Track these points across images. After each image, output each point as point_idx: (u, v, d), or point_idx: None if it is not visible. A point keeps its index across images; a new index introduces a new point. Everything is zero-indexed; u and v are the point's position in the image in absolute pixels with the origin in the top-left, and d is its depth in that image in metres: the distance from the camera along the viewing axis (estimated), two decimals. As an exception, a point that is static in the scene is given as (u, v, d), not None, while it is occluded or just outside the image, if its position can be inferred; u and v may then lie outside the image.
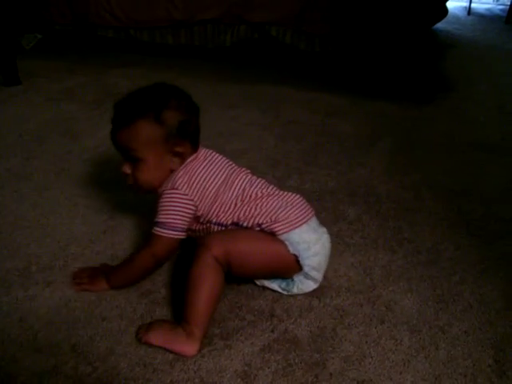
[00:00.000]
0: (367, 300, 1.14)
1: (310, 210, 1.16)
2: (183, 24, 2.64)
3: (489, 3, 5.34)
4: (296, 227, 1.10)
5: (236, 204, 1.13)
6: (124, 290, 1.14)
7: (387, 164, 1.78)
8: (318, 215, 1.37)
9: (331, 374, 0.95)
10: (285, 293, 1.14)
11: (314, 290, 1.15)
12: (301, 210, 1.14)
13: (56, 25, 2.79)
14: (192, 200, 1.11)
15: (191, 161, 1.16)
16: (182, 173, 1.13)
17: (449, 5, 2.63)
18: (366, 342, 1.03)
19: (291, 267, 1.11)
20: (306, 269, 1.10)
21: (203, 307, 1.01)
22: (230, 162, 1.22)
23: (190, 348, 0.98)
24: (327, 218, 1.43)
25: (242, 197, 1.14)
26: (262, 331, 1.04)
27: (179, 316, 1.04)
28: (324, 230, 1.17)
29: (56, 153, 1.78)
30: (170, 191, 1.11)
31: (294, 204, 1.15)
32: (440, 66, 2.82)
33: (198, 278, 1.03)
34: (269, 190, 1.16)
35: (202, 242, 1.06)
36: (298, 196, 1.18)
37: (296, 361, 0.97)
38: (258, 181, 1.19)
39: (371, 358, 0.99)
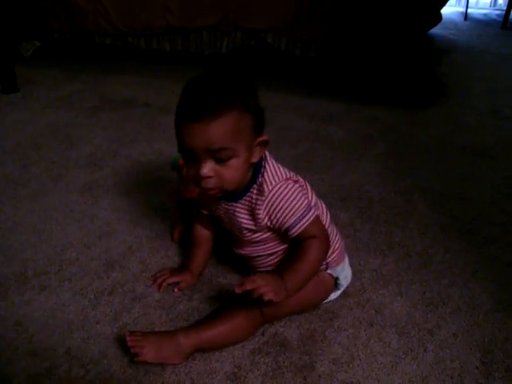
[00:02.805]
0: (357, 303, 1.16)
1: None
2: (180, 31, 2.67)
3: (485, 8, 5.38)
4: (343, 260, 1.16)
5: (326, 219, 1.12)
6: (118, 293, 1.16)
7: (380, 169, 1.80)
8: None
9: (320, 376, 0.97)
10: None
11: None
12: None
13: (54, 32, 2.83)
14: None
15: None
16: (272, 163, 1.03)
17: (446, 10, 2.65)
18: (355, 345, 1.04)
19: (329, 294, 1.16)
20: (339, 288, 1.16)
21: (215, 338, 1.00)
22: None
23: (175, 360, 0.98)
24: (320, 222, 1.45)
25: (323, 209, 1.13)
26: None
27: (175, 320, 1.06)
28: None
29: (53, 159, 1.80)
30: (289, 183, 1.00)
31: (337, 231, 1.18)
32: (435, 71, 2.84)
33: (233, 311, 1.03)
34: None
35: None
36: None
37: (285, 363, 0.99)
38: None
39: (360, 360, 1.01)
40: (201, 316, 1.10)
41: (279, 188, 0.99)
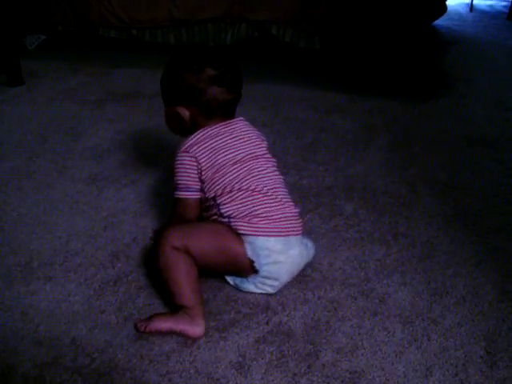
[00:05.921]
0: (361, 293, 1.16)
1: (292, 228, 1.14)
2: (184, 23, 2.66)
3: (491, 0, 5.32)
4: (262, 235, 1.10)
5: (233, 187, 1.14)
6: (123, 283, 1.17)
7: (385, 160, 1.80)
8: (314, 211, 1.40)
9: (324, 365, 0.97)
10: (238, 288, 1.15)
11: (308, 283, 1.18)
12: (280, 223, 1.12)
13: (59, 25, 2.82)
14: (199, 163, 1.16)
15: (215, 127, 1.20)
16: (200, 135, 1.19)
17: (451, 1, 2.63)
18: (359, 334, 1.05)
19: (245, 269, 1.11)
20: (261, 273, 1.10)
21: (185, 285, 1.05)
22: (258, 143, 1.24)
23: (195, 329, 1.01)
24: (324, 213, 1.45)
25: (240, 184, 1.14)
26: (257, 323, 1.06)
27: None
28: (304, 247, 1.17)
29: (58, 151, 1.80)
30: (179, 154, 1.19)
31: (279, 215, 1.13)
32: (440, 62, 2.83)
33: (166, 264, 1.06)
34: (267, 189, 1.15)
35: (161, 233, 1.10)
36: (293, 210, 1.17)
37: (289, 352, 1.00)
38: (271, 175, 1.19)
39: (364, 349, 1.01)
40: (205, 305, 1.10)
41: (176, 156, 1.20)
